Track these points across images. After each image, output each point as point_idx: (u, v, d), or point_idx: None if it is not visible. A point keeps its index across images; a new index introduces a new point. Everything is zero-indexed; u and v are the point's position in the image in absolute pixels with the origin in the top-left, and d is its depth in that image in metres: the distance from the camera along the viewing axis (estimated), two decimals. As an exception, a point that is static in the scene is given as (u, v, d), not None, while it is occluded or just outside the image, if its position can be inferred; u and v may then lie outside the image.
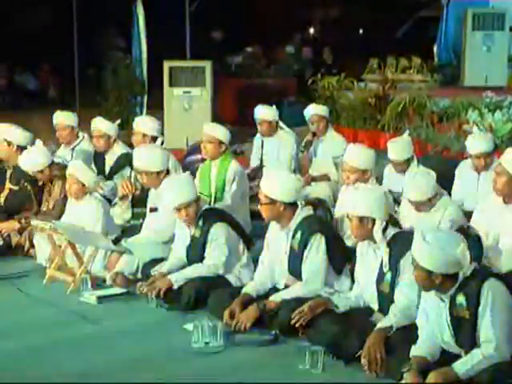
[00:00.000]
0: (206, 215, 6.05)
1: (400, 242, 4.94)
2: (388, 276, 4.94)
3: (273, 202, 5.48)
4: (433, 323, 4.51)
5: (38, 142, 7.55)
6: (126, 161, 7.93)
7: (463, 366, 4.28)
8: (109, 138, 8.24)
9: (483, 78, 13.45)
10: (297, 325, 5.11)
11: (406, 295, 4.85)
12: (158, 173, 6.57)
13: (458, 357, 4.38)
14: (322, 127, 8.47)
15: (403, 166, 7.19)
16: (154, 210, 6.65)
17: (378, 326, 4.78)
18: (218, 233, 5.97)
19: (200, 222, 6.01)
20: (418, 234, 4.38)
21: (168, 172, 6.65)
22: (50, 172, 7.34)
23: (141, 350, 5.17)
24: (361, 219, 5.00)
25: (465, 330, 4.36)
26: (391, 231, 5.02)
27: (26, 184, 7.61)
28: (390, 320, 4.79)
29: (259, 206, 5.60)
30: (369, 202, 4.99)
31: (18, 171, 7.67)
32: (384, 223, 4.99)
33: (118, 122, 8.51)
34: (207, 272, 5.96)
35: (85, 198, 6.79)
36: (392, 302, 4.90)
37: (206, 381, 4.74)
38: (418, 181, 5.98)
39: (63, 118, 8.60)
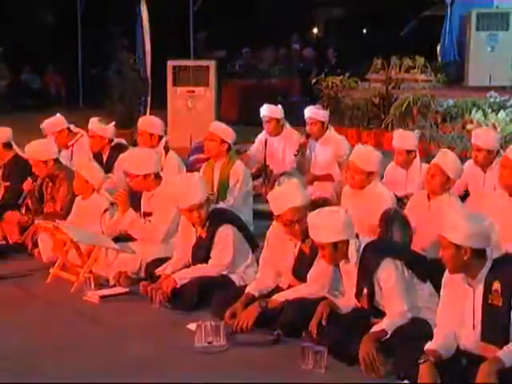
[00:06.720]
0: (212, 216, 6.02)
1: (372, 253, 4.88)
2: (365, 291, 4.89)
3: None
4: (455, 314, 4.37)
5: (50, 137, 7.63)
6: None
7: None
8: (101, 138, 8.24)
9: (487, 78, 13.43)
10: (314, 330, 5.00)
11: (394, 306, 4.79)
12: (145, 176, 6.49)
13: (479, 359, 4.21)
14: (316, 130, 8.30)
15: (405, 158, 7.18)
16: (148, 214, 6.57)
17: (371, 330, 4.74)
18: (225, 234, 5.94)
19: (207, 223, 5.99)
20: (448, 211, 4.35)
21: (157, 176, 6.55)
22: (53, 167, 7.31)
23: (143, 349, 5.16)
24: (335, 245, 4.92)
25: (496, 319, 4.20)
26: (362, 243, 4.95)
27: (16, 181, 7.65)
28: (382, 323, 4.76)
29: (276, 223, 5.49)
30: (339, 226, 4.88)
31: (8, 168, 7.75)
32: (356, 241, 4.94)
33: (113, 123, 8.45)
34: (211, 272, 5.94)
35: (92, 196, 6.80)
36: (376, 314, 4.87)
37: (209, 381, 4.73)
38: (451, 154, 6.09)
39: (52, 126, 8.54)
